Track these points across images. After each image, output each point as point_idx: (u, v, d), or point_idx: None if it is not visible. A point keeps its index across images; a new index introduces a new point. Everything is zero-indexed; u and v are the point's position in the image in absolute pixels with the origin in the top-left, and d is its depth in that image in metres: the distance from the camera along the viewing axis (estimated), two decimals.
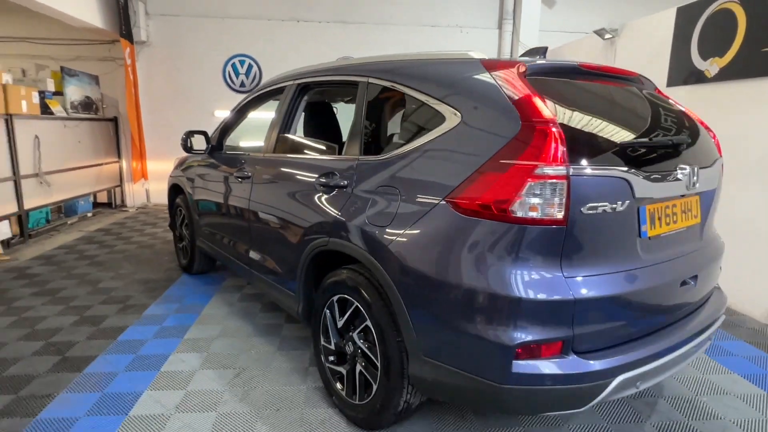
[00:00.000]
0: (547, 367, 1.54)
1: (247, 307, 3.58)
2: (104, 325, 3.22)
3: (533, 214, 1.52)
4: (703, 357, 2.88)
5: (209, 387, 2.49)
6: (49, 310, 3.48)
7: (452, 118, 1.78)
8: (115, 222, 6.76)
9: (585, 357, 1.59)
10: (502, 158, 1.58)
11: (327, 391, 2.37)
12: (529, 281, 1.54)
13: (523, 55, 2.28)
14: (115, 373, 2.61)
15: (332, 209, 2.21)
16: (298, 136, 2.99)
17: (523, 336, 1.53)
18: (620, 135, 1.76)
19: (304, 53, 7.49)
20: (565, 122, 1.63)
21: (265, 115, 3.29)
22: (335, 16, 7.73)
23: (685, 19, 4.14)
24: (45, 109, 5.94)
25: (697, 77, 3.97)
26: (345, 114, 3.12)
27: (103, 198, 7.91)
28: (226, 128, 3.62)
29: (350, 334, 2.14)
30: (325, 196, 2.28)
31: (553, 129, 1.53)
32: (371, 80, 2.25)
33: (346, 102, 3.77)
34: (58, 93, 6.50)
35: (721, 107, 3.74)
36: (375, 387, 2.01)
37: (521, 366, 1.53)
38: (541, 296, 1.53)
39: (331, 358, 2.29)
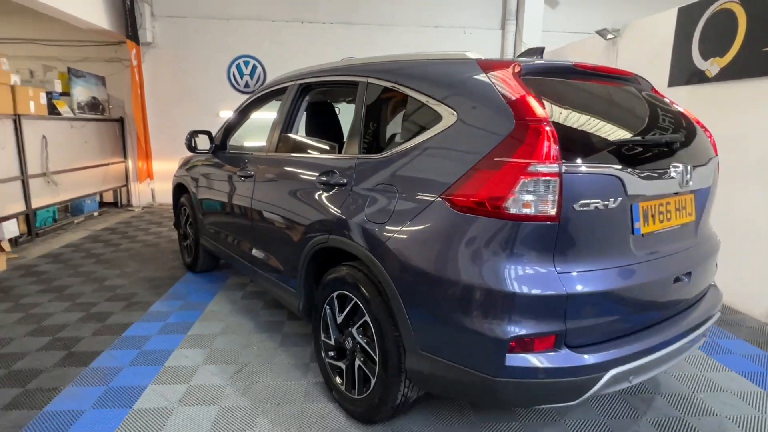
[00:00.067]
0: (540, 360, 1.57)
1: (249, 304, 3.63)
2: (109, 322, 3.28)
3: (527, 211, 1.56)
4: (701, 355, 2.90)
5: (212, 382, 2.53)
6: (55, 306, 3.54)
7: (449, 117, 1.82)
8: (120, 221, 6.83)
9: (578, 351, 1.62)
10: (496, 156, 1.61)
11: (327, 385, 2.41)
12: (522, 277, 1.57)
13: (520, 56, 2.31)
14: (119, 367, 2.66)
15: (332, 207, 2.25)
16: (299, 135, 3.03)
17: (516, 330, 1.56)
18: (614, 133, 1.80)
19: (308, 54, 7.55)
20: (559, 121, 1.67)
21: (267, 115, 3.34)
22: (339, 17, 7.78)
23: (686, 19, 4.15)
24: (52, 110, 6.02)
25: (698, 77, 3.98)
26: (347, 114, 3.16)
27: (109, 197, 8.00)
28: (230, 128, 3.67)
29: (349, 329, 2.18)
30: (326, 194, 2.32)
31: (546, 128, 1.56)
32: (370, 80, 2.29)
33: (348, 102, 3.82)
34: (65, 94, 6.59)
35: (721, 107, 3.75)
36: (373, 381, 2.05)
37: (515, 359, 1.57)
38: (534, 291, 1.56)
39: (331, 353, 2.33)
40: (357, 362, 2.15)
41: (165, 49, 7.69)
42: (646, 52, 4.73)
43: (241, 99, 3.90)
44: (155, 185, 8.04)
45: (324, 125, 3.30)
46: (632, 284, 1.72)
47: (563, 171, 1.54)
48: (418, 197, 1.82)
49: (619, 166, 1.67)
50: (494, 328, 1.57)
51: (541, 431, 2.18)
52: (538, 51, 2.26)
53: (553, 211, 1.55)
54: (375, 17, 7.84)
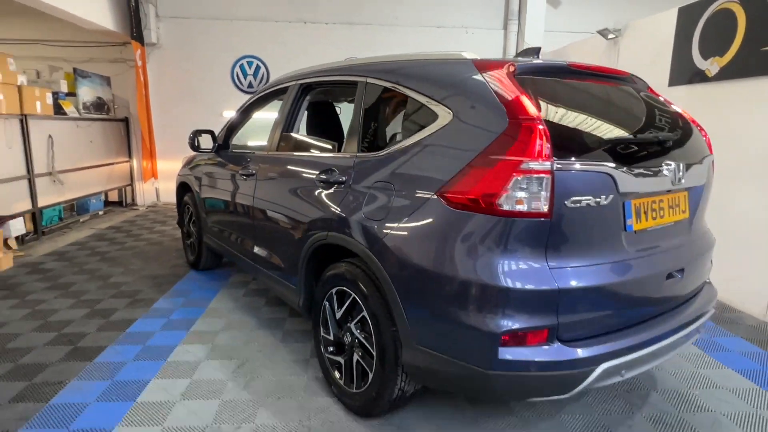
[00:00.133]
0: (532, 354, 1.61)
1: (251, 301, 3.68)
2: (114, 318, 3.33)
3: (519, 208, 1.59)
4: (698, 352, 2.92)
5: (213, 376, 2.58)
6: (61, 303, 3.60)
7: (445, 115, 1.86)
8: (125, 220, 6.91)
9: (570, 345, 1.65)
10: (489, 154, 1.65)
11: (326, 380, 2.45)
12: (515, 272, 1.61)
13: (517, 56, 2.34)
14: (123, 362, 2.71)
15: (331, 204, 2.29)
16: (300, 134, 3.07)
17: (509, 324, 1.59)
18: (606, 132, 1.83)
19: (310, 54, 7.59)
20: (552, 119, 1.70)
21: (269, 114, 3.38)
22: (341, 18, 7.82)
23: (686, 18, 4.17)
24: (58, 110, 6.10)
25: (698, 76, 4.00)
26: (348, 113, 3.19)
27: (114, 197, 8.08)
28: (232, 127, 3.72)
29: (348, 325, 2.22)
30: (325, 192, 2.36)
31: (539, 126, 1.60)
32: (369, 80, 2.33)
33: (349, 102, 3.85)
34: (71, 94, 6.67)
35: (721, 106, 3.76)
36: (371, 376, 2.08)
37: (507, 353, 1.60)
38: (527, 286, 1.59)
39: (330, 348, 2.37)
40: (355, 357, 2.19)
41: (169, 50, 7.76)
42: (647, 51, 4.75)
43: (245, 99, 3.95)
44: (159, 184, 8.11)
45: (324, 124, 3.35)
46: (624, 280, 1.75)
47: (555, 168, 1.57)
48: (414, 195, 1.85)
49: (611, 164, 1.70)
50: (487, 322, 1.61)
51: (538, 426, 2.21)
52: (535, 51, 2.29)
53: (545, 208, 1.58)
54: (377, 17, 7.88)
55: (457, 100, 1.85)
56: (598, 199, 1.66)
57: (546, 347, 1.62)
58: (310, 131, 3.37)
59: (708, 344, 3.03)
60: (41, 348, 2.88)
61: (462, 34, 8.05)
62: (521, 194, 1.58)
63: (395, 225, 1.89)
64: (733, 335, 3.16)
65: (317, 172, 2.44)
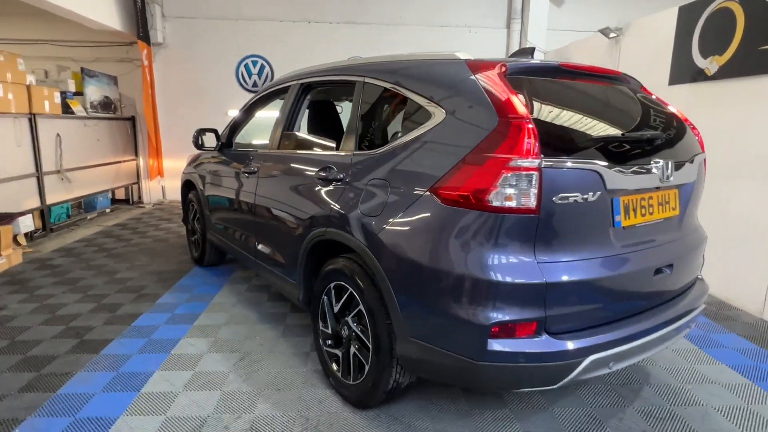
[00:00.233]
0: (520, 345, 1.66)
1: (254, 297, 3.75)
2: (120, 312, 3.41)
3: (509, 204, 1.64)
4: (692, 348, 2.95)
5: (215, 368, 2.65)
6: (68, 297, 3.69)
7: (438, 114, 1.91)
8: (131, 217, 7.01)
9: (558, 337, 1.70)
10: (480, 151, 1.70)
11: (325, 373, 2.51)
12: (504, 266, 1.66)
13: (512, 56, 2.39)
14: (128, 355, 2.79)
15: (330, 201, 2.35)
16: (300, 133, 3.13)
17: (498, 316, 1.64)
18: (595, 130, 1.87)
19: (315, 53, 7.66)
20: (541, 118, 1.75)
21: (271, 113, 3.44)
22: (345, 17, 7.88)
23: (686, 17, 4.18)
24: (66, 109, 6.21)
25: (698, 75, 4.02)
26: (349, 112, 3.25)
27: (120, 194, 8.20)
28: (235, 126, 3.78)
29: (345, 318, 2.28)
30: (324, 189, 2.42)
31: (528, 125, 1.64)
32: (367, 80, 2.39)
33: (349, 101, 3.90)
34: (79, 93, 6.78)
35: (720, 105, 3.79)
36: (367, 368, 2.14)
37: (497, 344, 1.65)
38: (515, 280, 1.64)
39: (329, 341, 2.43)
40: (352, 350, 2.24)
41: (175, 50, 7.86)
42: (648, 50, 4.76)
43: (249, 98, 4.03)
44: (165, 182, 8.22)
45: (325, 123, 3.40)
46: (612, 274, 1.80)
47: (543, 166, 1.62)
48: (408, 191, 1.91)
49: (598, 162, 1.74)
50: (477, 315, 1.66)
51: (531, 419, 2.26)
52: (529, 51, 2.34)
53: (533, 204, 1.63)
54: (381, 17, 7.93)
55: (450, 99, 1.90)
56: (585, 196, 1.70)
57: (534, 339, 1.67)
58: (311, 130, 3.43)
59: (703, 340, 3.06)
60: (49, 340, 2.96)
61: (465, 33, 8.08)
62: (510, 191, 1.63)
63: (390, 221, 1.95)
64: (729, 332, 3.19)
65: (316, 170, 2.50)
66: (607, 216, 1.80)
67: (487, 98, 1.76)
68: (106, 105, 7.33)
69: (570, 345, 1.69)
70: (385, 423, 2.19)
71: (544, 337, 1.68)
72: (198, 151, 4.14)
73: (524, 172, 1.62)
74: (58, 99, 5.83)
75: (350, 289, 2.21)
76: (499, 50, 8.13)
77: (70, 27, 7.10)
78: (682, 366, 2.74)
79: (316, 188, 2.48)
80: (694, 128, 2.35)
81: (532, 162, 1.61)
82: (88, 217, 6.77)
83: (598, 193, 1.73)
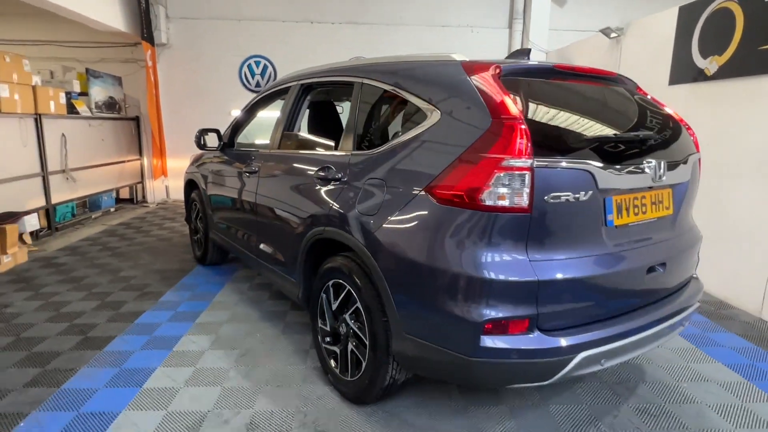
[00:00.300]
0: (512, 342, 1.69)
1: (255, 295, 3.79)
2: (123, 310, 3.47)
3: (501, 203, 1.67)
4: (689, 347, 2.97)
5: (216, 365, 2.69)
6: (73, 295, 3.75)
7: (433, 115, 1.94)
8: (135, 216, 7.07)
9: (550, 334, 1.72)
10: (474, 151, 1.73)
11: (323, 369, 2.55)
12: (497, 264, 1.69)
13: (508, 57, 2.42)
14: (131, 351, 2.84)
15: (329, 200, 2.38)
16: (301, 133, 3.17)
17: (491, 313, 1.68)
18: (587, 131, 1.90)
19: (317, 54, 7.69)
20: (533, 118, 1.78)
21: (273, 114, 3.48)
22: (346, 18, 7.92)
23: (686, 18, 4.19)
24: (71, 109, 6.27)
25: (698, 75, 4.03)
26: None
27: (125, 194, 8.26)
28: (237, 126, 3.83)
29: (343, 316, 2.31)
30: (323, 189, 2.46)
31: (520, 125, 1.67)
32: (365, 81, 2.42)
33: (350, 101, 3.94)
34: (84, 93, 6.84)
35: (720, 105, 3.80)
36: (364, 364, 2.18)
37: (489, 341, 1.68)
38: (508, 278, 1.67)
39: (327, 338, 2.47)
40: (350, 347, 2.28)
41: (179, 50, 7.92)
42: (648, 50, 4.77)
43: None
44: (169, 182, 8.28)
45: (324, 123, 3.43)
46: (604, 273, 1.82)
47: (535, 165, 1.65)
48: (404, 191, 1.94)
49: (590, 162, 1.77)
50: (470, 312, 1.69)
51: (526, 415, 2.29)
52: (525, 52, 2.37)
53: (525, 203, 1.66)
54: (383, 17, 7.96)
55: (446, 99, 1.93)
56: (577, 195, 1.73)
57: (526, 336, 1.70)
58: (311, 130, 3.47)
59: (701, 339, 3.08)
60: (54, 337, 3.01)
61: (467, 33, 8.10)
62: (503, 190, 1.66)
63: (386, 220, 1.98)
64: (726, 331, 3.21)
65: (316, 170, 2.54)
66: (599, 215, 1.83)
67: (481, 99, 1.79)
68: (111, 105, 7.40)
69: (562, 342, 1.72)
70: (381, 419, 2.22)
71: (536, 333, 1.71)
72: (201, 151, 4.19)
73: (517, 172, 1.65)
74: (63, 99, 5.89)
75: (348, 287, 2.25)
76: (501, 50, 8.14)
77: (75, 28, 7.18)
78: (679, 364, 2.76)
79: (316, 188, 2.51)
80: (689, 128, 2.37)
81: (524, 162, 1.64)
82: (93, 216, 6.84)
83: (590, 192, 1.76)
